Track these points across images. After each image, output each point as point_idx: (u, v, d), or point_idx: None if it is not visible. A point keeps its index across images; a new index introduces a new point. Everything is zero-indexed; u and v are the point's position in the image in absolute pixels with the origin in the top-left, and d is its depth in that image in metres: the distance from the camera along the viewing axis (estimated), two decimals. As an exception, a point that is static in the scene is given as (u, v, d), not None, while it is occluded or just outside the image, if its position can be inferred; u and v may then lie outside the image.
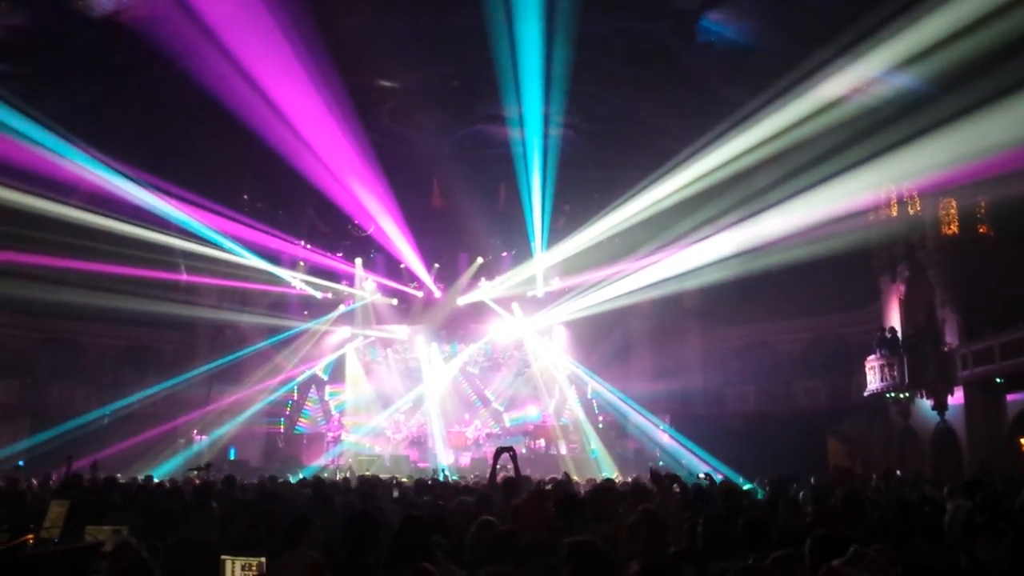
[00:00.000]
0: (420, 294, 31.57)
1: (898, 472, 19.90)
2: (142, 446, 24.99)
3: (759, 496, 11.53)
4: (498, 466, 9.90)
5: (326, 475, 21.01)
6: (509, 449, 9.19)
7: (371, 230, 28.85)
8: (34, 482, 15.31)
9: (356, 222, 28.77)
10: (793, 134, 19.45)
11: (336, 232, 30.45)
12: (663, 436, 28.14)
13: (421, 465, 27.34)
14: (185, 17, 17.52)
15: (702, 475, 13.30)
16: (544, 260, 28.92)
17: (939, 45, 15.77)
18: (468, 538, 5.33)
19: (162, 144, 24.25)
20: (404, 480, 15.75)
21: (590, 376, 29.81)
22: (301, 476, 19.28)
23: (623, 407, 28.81)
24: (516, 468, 9.09)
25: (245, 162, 25.48)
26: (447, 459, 28.05)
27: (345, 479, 14.71)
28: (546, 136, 24.36)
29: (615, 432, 30.04)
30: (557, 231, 28.23)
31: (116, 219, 23.45)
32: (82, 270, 23.56)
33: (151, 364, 30.44)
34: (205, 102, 19.78)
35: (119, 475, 16.05)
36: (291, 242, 29.39)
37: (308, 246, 30.31)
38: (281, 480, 15.14)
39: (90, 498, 9.73)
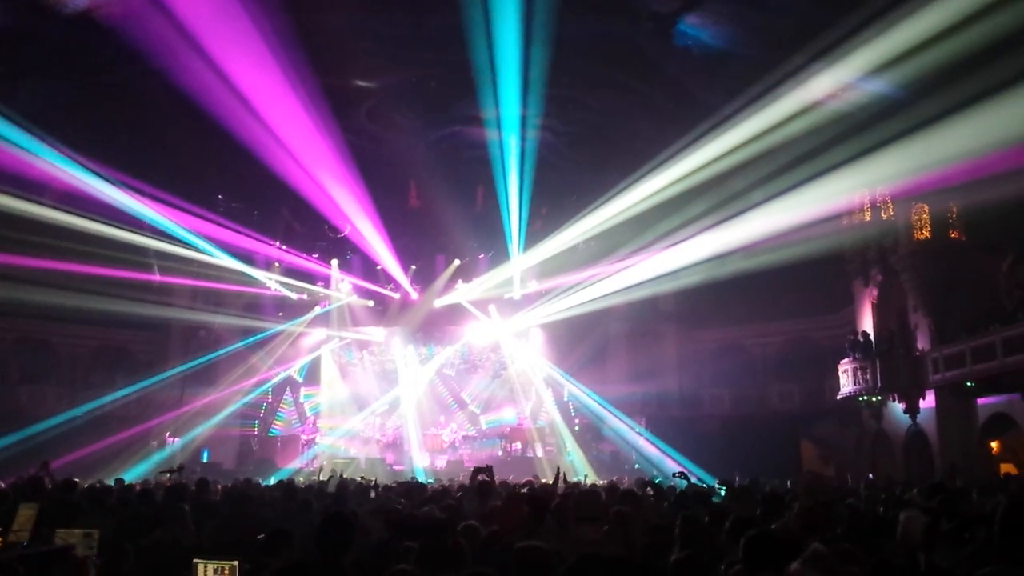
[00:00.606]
0: (397, 296, 31.45)
1: (871, 475, 20.14)
2: (114, 448, 24.67)
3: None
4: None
5: (301, 479, 20.85)
6: (487, 470, 9.30)
7: (347, 231, 28.71)
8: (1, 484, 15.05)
9: (332, 223, 28.61)
10: (768, 139, 19.60)
11: (312, 233, 30.29)
12: (639, 439, 28.22)
13: (397, 468, 27.22)
14: (160, 15, 17.34)
15: (676, 474, 13.24)
16: (521, 262, 28.93)
17: (912, 51, 15.96)
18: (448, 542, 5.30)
19: (135, 142, 24.01)
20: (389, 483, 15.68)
21: (566, 379, 29.85)
22: (276, 479, 19.08)
23: (599, 410, 28.88)
24: (492, 483, 9.21)
25: (220, 162, 25.28)
26: (423, 462, 27.97)
27: (322, 483, 14.59)
28: (523, 138, 24.38)
29: (591, 435, 30.09)
30: (534, 233, 28.24)
31: (88, 218, 23.17)
32: (53, 270, 23.23)
33: (123, 365, 30.12)
34: (179, 100, 19.60)
35: (91, 479, 15.86)
36: (266, 243, 29.19)
37: (283, 247, 30.11)
38: (254, 482, 15.01)
39: (57, 501, 9.59)
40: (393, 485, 13.66)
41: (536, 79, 20.83)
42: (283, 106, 20.91)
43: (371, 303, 31.66)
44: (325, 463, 25.07)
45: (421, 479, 19.19)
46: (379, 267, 30.59)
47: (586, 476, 20.33)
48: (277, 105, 20.90)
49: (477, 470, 9.52)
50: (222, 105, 20.10)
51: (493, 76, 20.74)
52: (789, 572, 3.64)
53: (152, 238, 25.89)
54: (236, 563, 5.32)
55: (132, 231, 24.85)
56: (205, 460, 27.18)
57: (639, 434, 28.32)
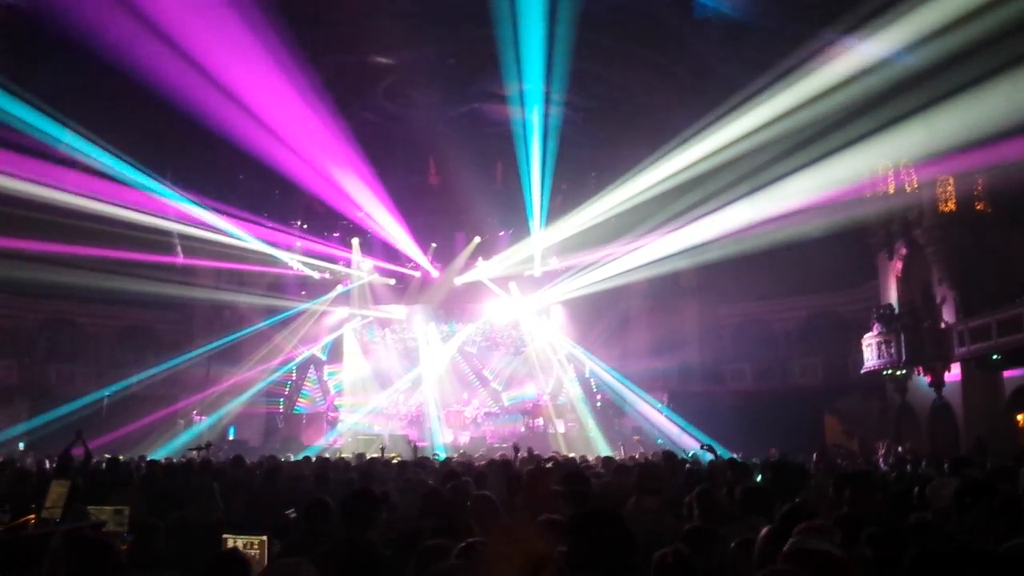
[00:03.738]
0: (417, 274, 31.53)
1: (900, 448, 20.08)
2: (143, 428, 25.04)
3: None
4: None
5: (328, 455, 21.10)
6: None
7: (360, 215, 28.61)
8: (42, 462, 15.36)
9: (344, 215, 28.58)
10: (791, 111, 19.38)
11: (332, 214, 30.29)
12: (660, 416, 28.14)
13: (420, 444, 27.40)
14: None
15: (703, 446, 13.18)
16: (542, 239, 28.84)
17: (937, 22, 15.72)
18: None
19: (155, 128, 23.95)
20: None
21: (587, 356, 29.87)
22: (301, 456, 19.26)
23: (620, 388, 28.86)
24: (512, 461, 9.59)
25: (234, 156, 25.25)
26: (446, 438, 28.18)
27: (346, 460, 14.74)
28: (544, 114, 24.20)
29: (612, 411, 30.12)
30: (554, 210, 28.12)
31: (111, 204, 23.33)
32: (79, 255, 23.44)
33: (150, 345, 30.46)
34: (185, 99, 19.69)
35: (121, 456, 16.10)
36: (286, 231, 29.41)
37: (304, 226, 30.22)
38: (280, 459, 15.21)
39: (90, 479, 9.76)
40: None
41: (557, 54, 20.65)
42: (289, 107, 21.01)
43: (392, 281, 31.78)
44: (350, 440, 25.34)
45: (442, 455, 19.38)
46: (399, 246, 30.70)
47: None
48: (284, 106, 20.99)
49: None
50: (224, 106, 20.22)
51: (517, 51, 20.60)
52: (794, 546, 3.65)
53: (175, 221, 26.08)
54: (265, 538, 5.39)
55: (155, 215, 25.02)
56: (231, 437, 27.51)
57: (659, 411, 28.24)
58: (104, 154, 22.41)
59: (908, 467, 13.62)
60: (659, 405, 28.43)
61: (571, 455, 16.78)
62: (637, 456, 17.25)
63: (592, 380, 30.51)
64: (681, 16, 20.34)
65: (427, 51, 23.12)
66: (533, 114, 23.95)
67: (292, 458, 16.47)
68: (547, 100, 23.59)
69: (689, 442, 23.19)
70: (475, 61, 22.72)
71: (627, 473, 8.25)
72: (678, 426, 26.03)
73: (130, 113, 23.32)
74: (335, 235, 30.84)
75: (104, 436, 21.05)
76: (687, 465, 11.04)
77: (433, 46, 22.76)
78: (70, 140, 21.48)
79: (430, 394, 30.10)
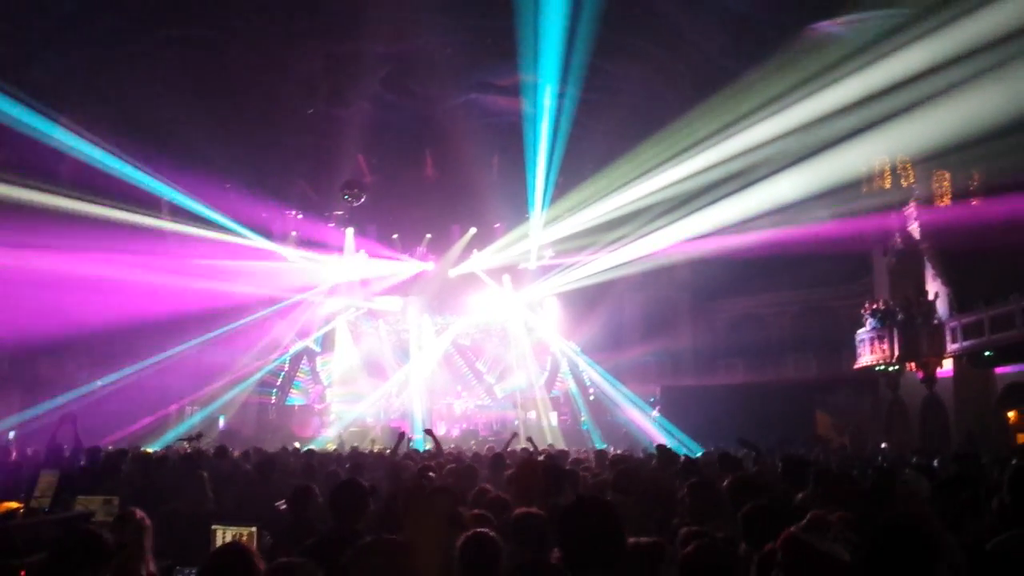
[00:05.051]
0: (412, 265, 31.47)
1: (884, 445, 20.10)
2: (136, 420, 24.91)
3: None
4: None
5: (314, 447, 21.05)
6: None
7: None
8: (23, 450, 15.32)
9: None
10: (787, 106, 19.36)
11: (327, 203, 30.15)
12: (648, 418, 28.08)
13: (412, 437, 27.35)
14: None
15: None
16: (537, 231, 28.77)
17: (938, 14, 15.71)
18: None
19: (148, 119, 23.80)
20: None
21: (578, 353, 29.87)
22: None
23: (612, 379, 28.84)
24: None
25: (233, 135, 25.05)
26: (439, 431, 28.14)
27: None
28: (556, 107, 24.05)
29: (604, 404, 30.15)
30: (551, 203, 28.04)
31: (103, 203, 23.22)
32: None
33: (141, 336, 30.23)
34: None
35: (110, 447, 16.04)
36: (283, 211, 29.29)
37: (300, 216, 30.12)
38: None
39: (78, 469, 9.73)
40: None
41: (573, 43, 20.51)
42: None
43: (386, 273, 31.71)
44: (342, 432, 25.29)
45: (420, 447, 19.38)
46: (395, 236, 30.61)
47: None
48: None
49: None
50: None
51: (528, 41, 20.49)
52: (788, 534, 3.49)
53: (170, 219, 25.99)
54: (254, 529, 5.37)
55: (150, 214, 24.94)
56: (221, 427, 27.43)
57: (649, 415, 28.11)
58: (94, 148, 22.24)
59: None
60: (648, 408, 28.34)
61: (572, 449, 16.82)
62: (621, 451, 17.28)
63: (585, 374, 30.51)
64: (679, 8, 20.26)
65: (423, 41, 22.98)
66: (542, 102, 23.80)
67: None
68: (548, 91, 23.47)
69: (682, 438, 23.20)
70: (475, 51, 22.61)
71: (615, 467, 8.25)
72: (666, 430, 25.89)
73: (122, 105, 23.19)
74: (330, 225, 30.71)
75: (103, 436, 20.92)
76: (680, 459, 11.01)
77: (430, 36, 22.62)
78: (60, 134, 21.33)
79: (417, 388, 30.05)
